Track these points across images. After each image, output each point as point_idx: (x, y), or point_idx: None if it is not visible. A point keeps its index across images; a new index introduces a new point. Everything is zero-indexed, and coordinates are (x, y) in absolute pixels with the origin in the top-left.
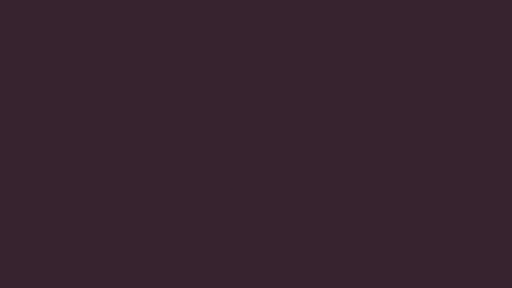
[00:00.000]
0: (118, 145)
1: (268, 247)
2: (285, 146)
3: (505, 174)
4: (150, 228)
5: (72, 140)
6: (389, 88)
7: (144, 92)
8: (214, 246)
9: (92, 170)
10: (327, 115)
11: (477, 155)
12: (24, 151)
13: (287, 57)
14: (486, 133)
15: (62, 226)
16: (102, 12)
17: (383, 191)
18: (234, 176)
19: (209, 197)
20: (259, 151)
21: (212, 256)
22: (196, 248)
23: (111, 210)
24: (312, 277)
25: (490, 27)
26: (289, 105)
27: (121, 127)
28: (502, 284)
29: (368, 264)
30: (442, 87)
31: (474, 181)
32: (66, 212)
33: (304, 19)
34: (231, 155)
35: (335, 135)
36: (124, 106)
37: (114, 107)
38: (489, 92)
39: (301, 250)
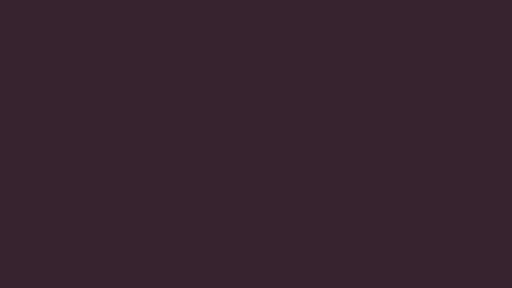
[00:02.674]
0: (118, 145)
1: (268, 247)
2: (285, 146)
3: (505, 174)
4: (150, 228)
5: (72, 140)
6: (389, 88)
7: (144, 92)
8: (214, 246)
9: (92, 170)
10: (327, 115)
11: (477, 155)
12: (24, 151)
13: (287, 57)
14: (486, 133)
15: (62, 226)
16: (102, 12)
17: (383, 191)
18: (234, 176)
19: (209, 197)
20: (259, 151)
21: (212, 256)
22: (196, 248)
23: (111, 210)
24: (312, 277)
25: (490, 27)
26: (289, 105)
27: (121, 127)
28: (502, 284)
29: (368, 264)
30: (442, 87)
31: (474, 181)
32: (66, 212)
33: (304, 19)
34: (231, 155)
35: (335, 135)
36: (124, 106)
37: (114, 107)
38: (489, 92)
39: (301, 250)
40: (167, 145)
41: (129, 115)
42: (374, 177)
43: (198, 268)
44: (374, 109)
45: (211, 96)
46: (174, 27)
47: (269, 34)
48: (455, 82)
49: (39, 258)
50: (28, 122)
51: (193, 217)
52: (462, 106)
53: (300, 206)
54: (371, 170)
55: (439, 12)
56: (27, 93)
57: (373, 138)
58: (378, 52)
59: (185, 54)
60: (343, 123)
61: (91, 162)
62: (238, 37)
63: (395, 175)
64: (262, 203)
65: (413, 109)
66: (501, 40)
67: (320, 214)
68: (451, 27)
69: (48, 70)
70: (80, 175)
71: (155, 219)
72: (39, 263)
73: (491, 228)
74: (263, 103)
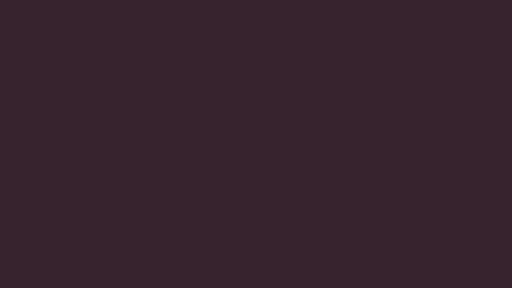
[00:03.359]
0: (118, 145)
1: (268, 247)
2: (285, 146)
3: (505, 174)
4: (150, 228)
5: (72, 140)
6: (389, 88)
7: (144, 92)
8: (214, 246)
9: (92, 170)
10: (327, 115)
11: (477, 155)
12: (24, 151)
13: (287, 57)
14: (486, 133)
15: (62, 226)
16: (102, 12)
17: (383, 191)
18: (234, 176)
19: (209, 197)
20: (259, 151)
21: (212, 256)
22: (196, 248)
23: (111, 210)
24: (312, 277)
25: (490, 27)
26: (289, 105)
27: (121, 127)
28: (502, 284)
29: (368, 264)
30: (442, 87)
31: (474, 181)
32: (66, 212)
33: (304, 20)
34: (231, 155)
35: (335, 135)
36: (124, 106)
37: (114, 107)
38: (489, 92)
39: (301, 250)
40: (167, 145)
41: (129, 115)
42: (374, 177)
43: (198, 268)
44: (374, 109)
45: (211, 96)
46: (174, 27)
47: (269, 34)
48: (455, 82)
49: (39, 258)
50: (28, 122)
51: (193, 217)
52: (462, 106)
53: (300, 206)
54: (371, 170)
55: (439, 12)
56: (27, 93)
57: (373, 138)
58: (378, 52)
59: (185, 54)
60: (343, 123)
61: (91, 162)
62: (238, 37)
63: (395, 175)
64: (262, 203)
65: (413, 109)
66: (501, 40)
67: (320, 214)
68: (451, 27)
69: (48, 70)
70: (80, 175)
71: (155, 219)
72: (39, 263)
73: (491, 228)
74: (263, 103)
